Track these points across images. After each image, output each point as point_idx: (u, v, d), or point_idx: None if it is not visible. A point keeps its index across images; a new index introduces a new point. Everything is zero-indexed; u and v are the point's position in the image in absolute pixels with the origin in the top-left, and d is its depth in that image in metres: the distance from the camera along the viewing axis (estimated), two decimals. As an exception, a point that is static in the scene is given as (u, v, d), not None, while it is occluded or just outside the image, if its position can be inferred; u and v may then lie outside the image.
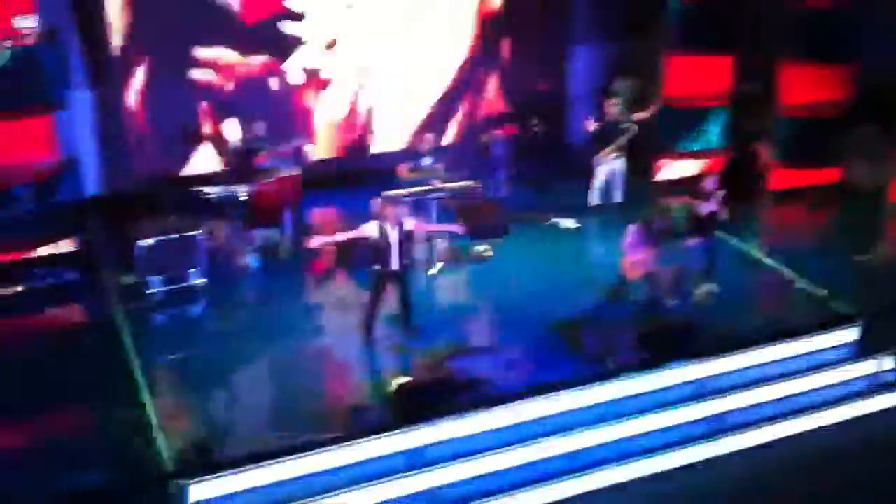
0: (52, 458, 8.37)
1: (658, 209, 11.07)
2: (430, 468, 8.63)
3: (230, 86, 13.24)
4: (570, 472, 8.91)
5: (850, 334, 10.58)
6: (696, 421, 9.60)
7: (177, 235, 10.97)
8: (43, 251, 11.34)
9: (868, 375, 10.35)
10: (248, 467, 8.16)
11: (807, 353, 10.38)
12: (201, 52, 12.97)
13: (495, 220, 12.74)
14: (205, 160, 13.24)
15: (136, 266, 10.81)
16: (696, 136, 14.48)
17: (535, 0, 14.80)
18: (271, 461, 8.24)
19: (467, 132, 14.84)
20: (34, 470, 8.25)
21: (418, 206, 11.91)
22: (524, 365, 9.85)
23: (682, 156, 14.48)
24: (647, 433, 9.39)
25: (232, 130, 12.98)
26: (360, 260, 10.98)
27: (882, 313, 10.84)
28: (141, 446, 8.46)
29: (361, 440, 8.60)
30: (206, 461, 8.15)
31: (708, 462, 9.31)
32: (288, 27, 13.36)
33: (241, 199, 11.73)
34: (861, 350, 10.51)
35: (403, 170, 12.22)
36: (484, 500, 8.59)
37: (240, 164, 12.11)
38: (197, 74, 13.03)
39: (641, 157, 14.12)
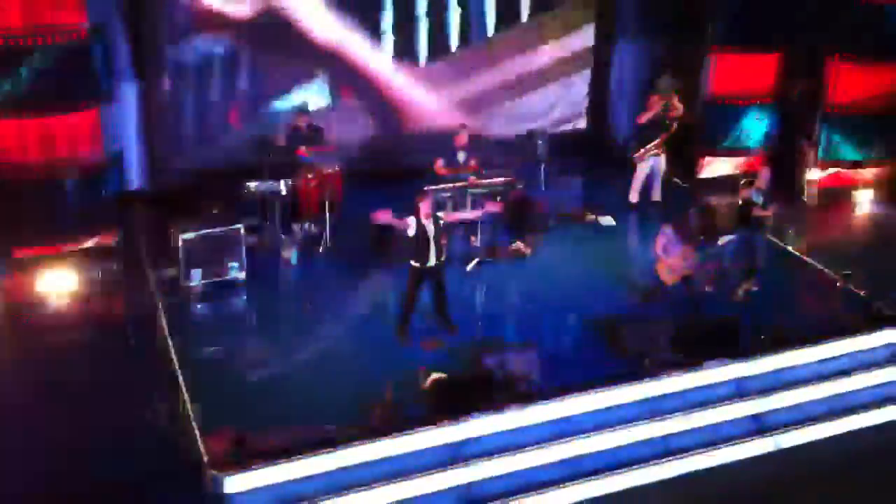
0: (92, 450, 8.51)
1: (699, 208, 10.95)
2: (466, 464, 8.67)
3: (274, 82, 13.34)
4: (609, 469, 8.91)
5: (891, 336, 10.41)
6: (737, 419, 9.54)
7: (218, 230, 11.07)
8: (88, 244, 11.54)
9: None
10: (282, 461, 8.25)
11: (848, 354, 10.27)
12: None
13: (535, 216, 12.77)
14: (247, 154, 13.35)
15: (178, 259, 10.93)
16: (740, 134, 14.32)
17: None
18: (306, 455, 8.31)
19: (508, 129, 14.80)
20: (75, 460, 8.41)
21: (457, 202, 11.94)
22: (561, 362, 9.83)
23: (725, 154, 14.33)
24: (688, 431, 9.36)
25: (276, 126, 13.10)
26: (399, 255, 11.06)
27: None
28: (179, 439, 8.58)
29: (396, 435, 8.65)
30: (242, 454, 8.24)
31: (749, 461, 9.23)
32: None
33: (283, 193, 11.85)
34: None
35: (442, 166, 12.23)
36: (520, 496, 8.61)
37: (282, 158, 12.22)
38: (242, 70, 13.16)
39: (684, 155, 14.03)
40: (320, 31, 13.48)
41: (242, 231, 11.20)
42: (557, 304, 11.02)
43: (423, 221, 9.90)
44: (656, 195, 13.49)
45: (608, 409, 9.35)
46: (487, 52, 14.44)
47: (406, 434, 8.68)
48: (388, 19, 13.79)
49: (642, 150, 13.24)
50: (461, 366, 9.59)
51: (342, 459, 8.43)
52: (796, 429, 9.53)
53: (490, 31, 14.39)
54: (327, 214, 12.04)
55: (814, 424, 9.60)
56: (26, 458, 8.41)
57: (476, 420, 8.90)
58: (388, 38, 13.89)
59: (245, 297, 11.19)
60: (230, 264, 11.14)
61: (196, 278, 10.97)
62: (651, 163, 13.34)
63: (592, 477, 8.83)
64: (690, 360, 9.78)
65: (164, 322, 10.28)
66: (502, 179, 12.31)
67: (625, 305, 10.82)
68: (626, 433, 9.17)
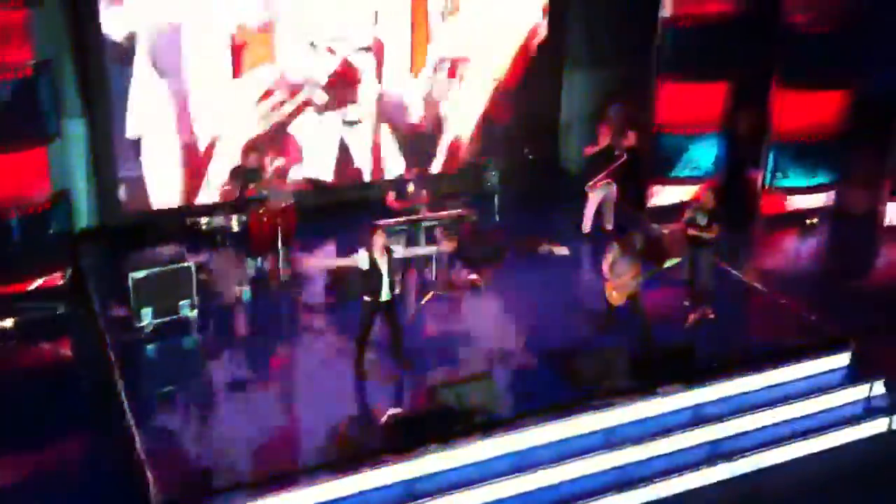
0: (42, 491, 8.32)
1: (648, 235, 11.07)
2: (423, 500, 8.58)
3: (225, 117, 13.28)
4: (567, 500, 8.87)
5: (842, 359, 10.58)
6: (691, 447, 9.58)
7: (170, 267, 10.93)
8: (36, 284, 11.33)
9: (859, 400, 10.32)
10: (239, 499, 8.12)
11: (799, 379, 10.39)
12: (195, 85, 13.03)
13: (488, 248, 12.80)
14: (198, 191, 13.24)
15: (128, 299, 10.78)
16: (688, 163, 14.52)
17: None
18: (260, 492, 8.19)
19: (459, 160, 14.86)
20: (24, 500, 8.21)
21: (409, 236, 11.94)
22: (517, 393, 9.82)
23: (674, 182, 14.52)
24: (643, 461, 9.38)
25: (225, 161, 13.02)
26: (352, 290, 11.02)
27: (873, 337, 10.86)
28: (130, 478, 8.41)
29: (354, 472, 8.57)
30: (194, 493, 8.10)
31: (703, 489, 9.26)
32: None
33: (235, 229, 11.76)
34: (853, 375, 10.49)
35: (393, 199, 12.23)
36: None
37: (233, 194, 12.15)
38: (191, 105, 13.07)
39: (633, 184, 14.19)
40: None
41: (194, 268, 11.07)
42: (513, 335, 11.03)
43: (376, 256, 9.87)
44: (609, 224, 13.62)
45: (565, 439, 9.36)
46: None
47: (364, 470, 8.60)
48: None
49: (594, 180, 13.36)
50: (417, 400, 9.53)
51: (300, 498, 8.31)
52: (752, 454, 9.58)
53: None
54: (280, 249, 11.96)
55: (769, 449, 9.67)
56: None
57: (433, 454, 8.84)
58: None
59: (197, 334, 11.04)
60: (182, 302, 11.00)
61: (147, 317, 10.80)
62: (603, 192, 13.47)
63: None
64: (645, 387, 9.83)
65: (114, 362, 10.10)
66: (454, 212, 12.33)
67: (580, 334, 10.85)
68: (583, 463, 9.16)
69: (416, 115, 14.47)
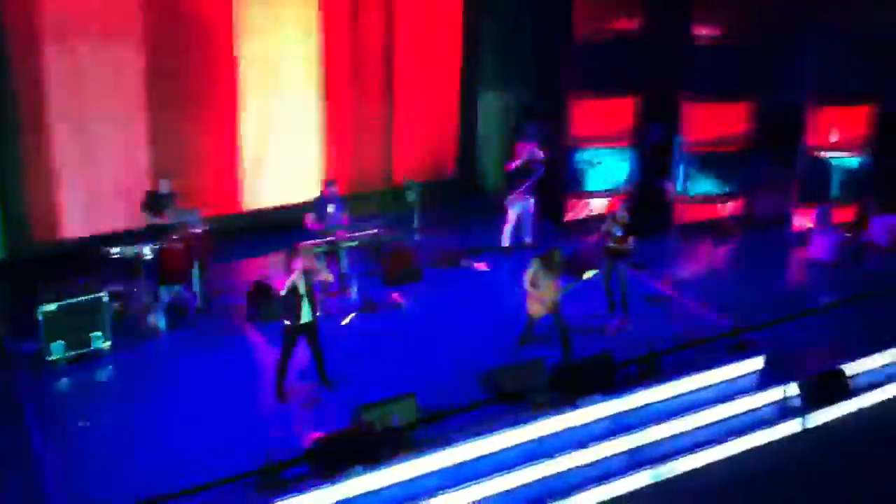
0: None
1: (562, 247, 11.22)
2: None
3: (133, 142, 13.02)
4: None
5: (756, 363, 10.83)
6: (613, 456, 9.69)
7: (81, 298, 10.65)
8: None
9: (774, 402, 10.58)
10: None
11: (715, 384, 10.61)
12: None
13: (408, 266, 12.82)
14: (109, 219, 12.94)
15: (38, 332, 10.46)
16: (602, 176, 14.76)
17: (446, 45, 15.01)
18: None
19: (377, 179, 14.86)
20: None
21: (328, 257, 11.87)
22: (441, 411, 9.80)
23: (590, 195, 14.73)
24: (567, 471, 9.44)
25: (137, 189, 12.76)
26: (272, 311, 10.92)
27: (786, 341, 11.17)
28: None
29: (278, 497, 8.44)
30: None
31: (626, 497, 9.36)
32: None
33: (148, 257, 11.53)
34: (767, 378, 10.74)
35: (313, 220, 12.14)
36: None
37: (146, 221, 11.91)
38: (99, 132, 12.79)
39: (550, 199, 14.37)
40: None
41: (106, 299, 10.80)
42: (435, 352, 11.03)
43: (295, 278, 9.78)
44: (528, 238, 13.76)
45: (490, 454, 9.38)
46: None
47: (289, 496, 8.48)
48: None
49: (512, 195, 13.50)
50: (341, 422, 9.45)
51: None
52: (672, 460, 9.72)
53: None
54: (196, 277, 11.76)
55: (689, 454, 9.81)
56: None
57: (358, 476, 8.78)
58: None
59: (111, 367, 10.76)
60: (94, 334, 10.72)
61: (58, 351, 10.49)
62: (521, 207, 13.61)
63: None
64: (567, 398, 9.92)
65: (24, 397, 9.77)
66: (374, 231, 12.30)
67: (501, 349, 10.91)
68: (508, 478, 9.17)
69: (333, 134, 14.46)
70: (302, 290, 9.81)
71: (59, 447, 9.09)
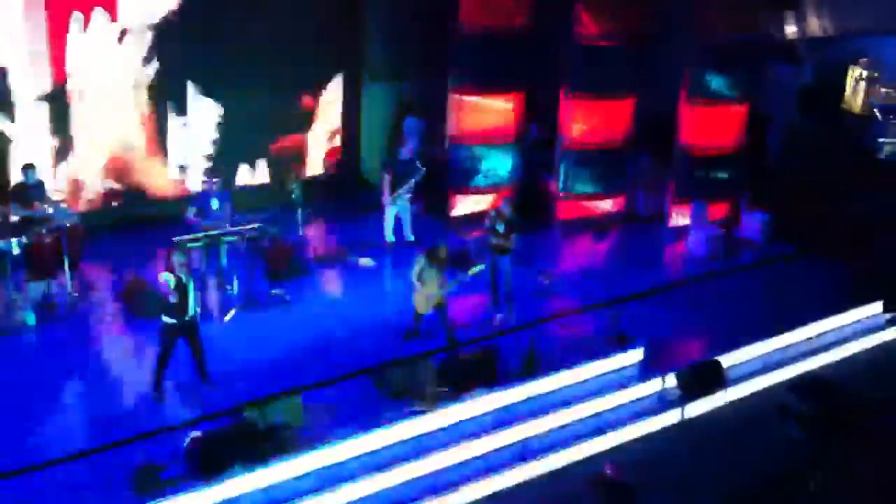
0: None
1: (447, 243, 11.24)
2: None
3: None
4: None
5: (636, 355, 11.08)
6: (499, 449, 9.74)
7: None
8: None
9: (653, 394, 10.83)
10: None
11: (596, 376, 10.80)
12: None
13: (292, 261, 12.60)
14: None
15: None
16: (485, 173, 14.83)
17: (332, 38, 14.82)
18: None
19: (259, 173, 14.56)
20: None
21: (209, 252, 11.56)
22: (326, 408, 9.66)
23: (472, 192, 14.79)
24: (455, 465, 9.44)
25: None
26: (149, 309, 10.56)
27: (664, 334, 11.47)
28: None
29: (156, 499, 8.16)
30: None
31: (512, 489, 9.43)
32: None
33: (15, 252, 10.95)
34: (646, 370, 11.00)
35: (193, 214, 11.79)
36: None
37: (10, 213, 11.32)
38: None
39: (435, 195, 14.37)
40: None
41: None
42: (320, 349, 10.87)
43: (176, 273, 9.46)
44: (408, 235, 13.73)
45: (376, 451, 9.30)
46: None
47: (167, 497, 8.22)
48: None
49: (389, 192, 13.42)
50: (222, 420, 9.19)
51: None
52: (555, 452, 9.84)
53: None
54: (67, 271, 11.26)
55: (571, 446, 9.95)
56: None
57: (241, 475, 8.56)
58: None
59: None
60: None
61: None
62: (398, 208, 13.56)
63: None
64: (452, 393, 9.94)
65: None
66: (255, 225, 12.00)
67: (386, 345, 10.83)
68: (395, 474, 9.11)
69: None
70: (180, 286, 9.50)
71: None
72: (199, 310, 9.88)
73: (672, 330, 11.79)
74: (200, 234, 11.48)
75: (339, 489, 8.82)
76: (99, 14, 12.76)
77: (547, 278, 12.12)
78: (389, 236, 13.65)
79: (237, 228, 11.80)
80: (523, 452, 9.75)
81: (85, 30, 12.70)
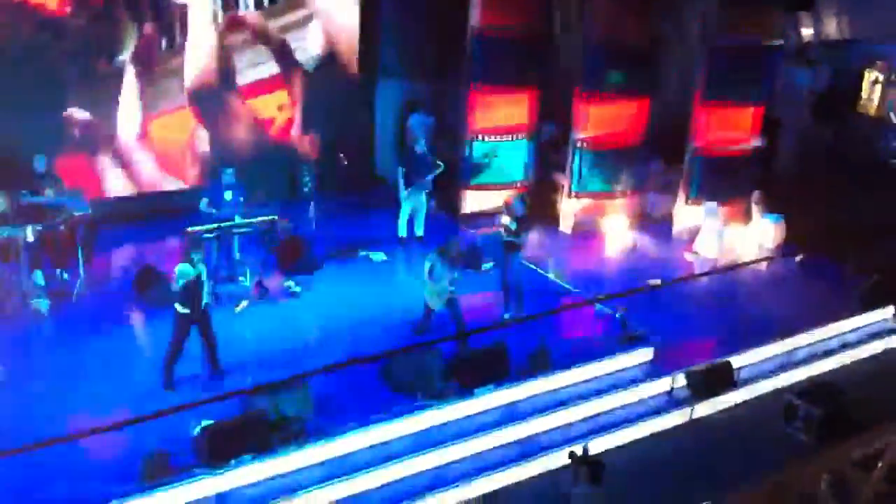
0: None
1: (461, 240, 11.26)
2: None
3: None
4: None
5: (646, 354, 11.08)
6: (505, 444, 9.75)
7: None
8: None
9: (662, 393, 10.83)
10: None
11: (606, 374, 10.80)
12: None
13: (305, 255, 12.65)
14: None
15: None
16: (499, 169, 14.85)
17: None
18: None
19: (274, 166, 14.61)
20: None
21: (222, 243, 11.60)
22: (336, 400, 9.70)
23: (486, 188, 14.81)
24: (460, 460, 9.45)
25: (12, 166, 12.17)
26: (161, 298, 10.60)
27: (673, 333, 11.47)
28: None
29: (166, 486, 8.22)
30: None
31: (518, 485, 9.43)
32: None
33: (29, 239, 11.01)
34: (656, 369, 11.00)
35: (207, 205, 11.83)
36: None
37: (25, 202, 11.37)
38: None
39: (447, 191, 14.40)
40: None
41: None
42: (330, 341, 10.90)
43: (189, 263, 9.51)
44: (419, 230, 13.75)
45: (384, 443, 9.33)
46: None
47: (177, 485, 8.26)
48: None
49: (405, 188, 13.45)
50: (232, 410, 9.23)
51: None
52: (562, 449, 9.82)
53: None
54: (80, 259, 11.32)
55: (579, 443, 9.91)
56: None
57: (248, 464, 8.60)
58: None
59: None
60: (-30, 317, 10.22)
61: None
62: (415, 200, 13.59)
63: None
64: (461, 388, 9.95)
65: None
66: (268, 218, 12.05)
67: (397, 338, 10.86)
68: (401, 467, 9.14)
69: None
70: (194, 276, 9.55)
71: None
72: (211, 300, 9.91)
73: (683, 330, 11.76)
74: (213, 225, 11.54)
75: (346, 480, 8.84)
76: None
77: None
78: (402, 231, 13.68)
79: (250, 220, 11.87)
80: (530, 449, 9.77)
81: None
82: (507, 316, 11.63)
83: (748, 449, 10.13)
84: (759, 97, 14.83)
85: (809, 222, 14.33)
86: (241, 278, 12.02)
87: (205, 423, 8.85)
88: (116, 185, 13.56)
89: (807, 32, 16.48)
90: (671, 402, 10.77)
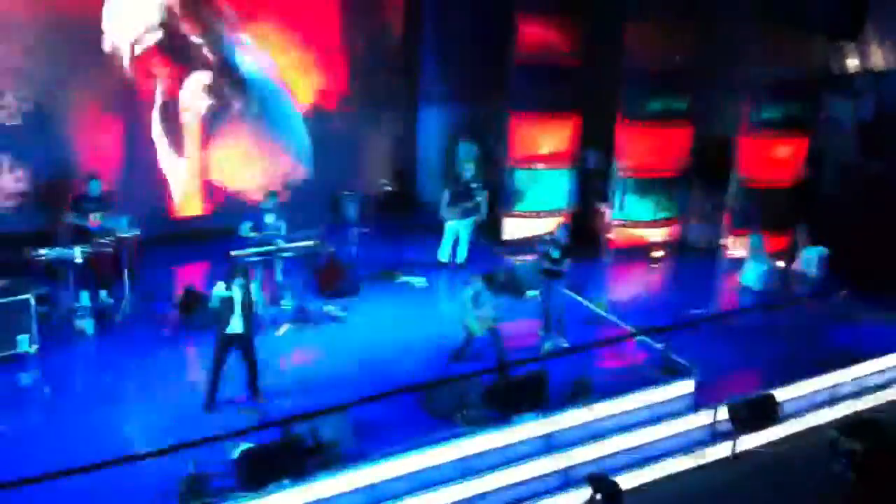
0: None
1: (504, 267, 11.25)
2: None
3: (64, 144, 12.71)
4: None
5: (687, 386, 10.96)
6: (545, 475, 9.67)
7: (5, 300, 10.30)
8: None
9: (704, 426, 10.69)
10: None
11: (646, 406, 10.67)
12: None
13: (346, 279, 12.71)
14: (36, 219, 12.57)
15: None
16: (540, 196, 14.85)
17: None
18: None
19: (315, 190, 14.74)
20: None
21: (264, 266, 11.70)
22: (374, 426, 9.70)
23: (527, 215, 14.80)
24: (500, 489, 9.38)
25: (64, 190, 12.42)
26: (204, 321, 10.70)
27: (716, 365, 11.33)
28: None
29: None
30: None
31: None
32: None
33: (77, 260, 11.21)
34: (697, 402, 10.87)
35: (249, 229, 11.95)
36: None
37: (74, 224, 11.59)
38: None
39: (489, 217, 14.42)
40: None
41: (32, 301, 10.46)
42: (369, 366, 10.92)
43: (232, 287, 9.61)
44: (461, 257, 13.76)
45: (421, 470, 9.28)
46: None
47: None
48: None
49: (451, 212, 13.50)
50: (270, 434, 9.26)
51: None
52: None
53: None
54: (126, 281, 11.48)
55: (619, 475, 9.83)
56: None
57: (287, 490, 8.62)
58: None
59: (37, 371, 10.41)
60: (19, 337, 10.36)
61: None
62: (458, 225, 13.62)
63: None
64: (500, 416, 9.91)
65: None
66: (310, 242, 12.14)
67: (436, 365, 10.86)
68: (437, 496, 9.09)
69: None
70: (236, 298, 9.65)
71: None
72: (252, 323, 9.99)
73: (726, 362, 11.62)
74: (255, 249, 11.65)
75: (384, 507, 8.83)
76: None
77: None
78: (444, 256, 13.70)
79: (292, 245, 11.97)
80: (568, 480, 9.68)
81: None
82: (547, 345, 11.56)
83: (791, 483, 9.96)
84: (804, 128, 14.70)
85: (855, 256, 14.10)
86: (282, 302, 12.11)
87: (244, 446, 8.89)
88: (165, 209, 13.75)
89: (852, 63, 16.28)
90: (713, 435, 10.64)
